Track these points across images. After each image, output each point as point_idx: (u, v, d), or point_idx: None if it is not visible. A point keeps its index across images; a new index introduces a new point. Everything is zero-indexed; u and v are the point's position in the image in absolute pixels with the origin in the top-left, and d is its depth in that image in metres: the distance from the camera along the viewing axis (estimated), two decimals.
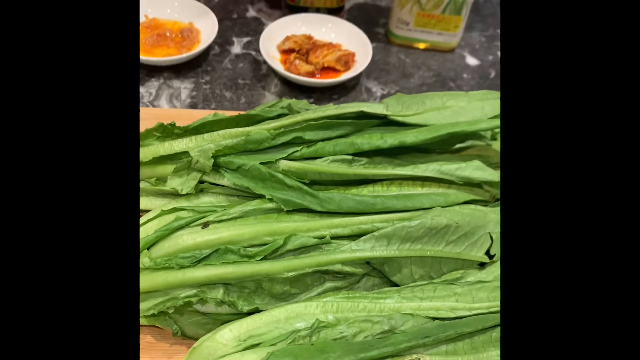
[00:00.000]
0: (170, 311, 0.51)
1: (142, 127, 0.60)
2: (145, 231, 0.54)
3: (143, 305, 0.52)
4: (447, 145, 0.61)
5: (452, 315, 0.49)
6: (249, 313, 0.51)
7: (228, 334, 0.48)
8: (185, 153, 0.57)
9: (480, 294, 0.50)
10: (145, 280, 0.51)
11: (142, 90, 0.83)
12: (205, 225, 0.53)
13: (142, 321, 0.54)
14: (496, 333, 0.48)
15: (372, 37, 0.95)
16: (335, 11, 0.95)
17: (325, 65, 0.85)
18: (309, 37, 0.90)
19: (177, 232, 0.53)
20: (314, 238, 0.52)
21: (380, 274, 0.54)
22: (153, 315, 0.52)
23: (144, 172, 0.59)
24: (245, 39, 0.95)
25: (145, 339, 0.54)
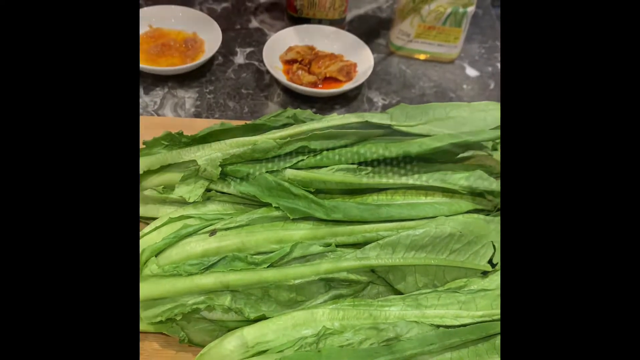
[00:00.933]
0: (178, 318, 0.52)
1: (148, 136, 0.61)
2: (153, 239, 0.55)
3: (151, 312, 0.52)
4: (450, 155, 0.61)
5: (456, 322, 0.49)
6: (256, 320, 0.51)
7: (235, 341, 0.49)
8: (193, 161, 0.58)
9: (483, 302, 0.51)
10: (154, 287, 0.52)
11: (146, 99, 0.84)
12: (213, 232, 0.54)
13: (148, 328, 0.54)
14: (499, 341, 0.49)
15: (374, 48, 0.96)
16: (337, 22, 0.97)
17: (328, 75, 0.86)
18: (312, 48, 0.91)
19: (185, 239, 0.54)
20: (320, 246, 0.53)
21: (384, 282, 0.55)
22: (161, 322, 0.52)
23: (151, 180, 0.60)
24: (249, 50, 0.96)
25: (152, 346, 0.55)
